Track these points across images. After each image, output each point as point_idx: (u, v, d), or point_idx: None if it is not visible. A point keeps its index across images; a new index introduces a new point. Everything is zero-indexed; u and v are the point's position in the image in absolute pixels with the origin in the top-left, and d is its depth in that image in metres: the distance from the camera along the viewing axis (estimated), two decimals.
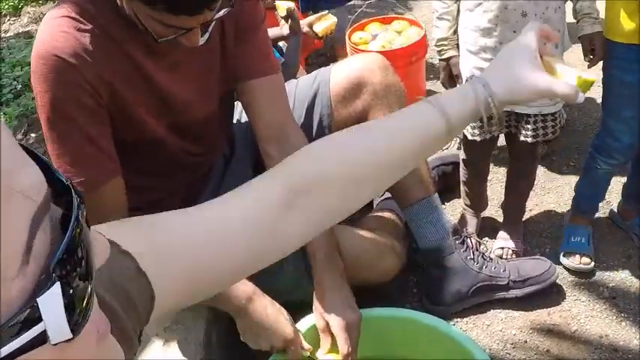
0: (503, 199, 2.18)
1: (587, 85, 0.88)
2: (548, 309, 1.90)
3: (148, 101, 1.44)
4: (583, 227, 2.06)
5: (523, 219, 2.16)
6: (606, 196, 2.20)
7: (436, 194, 1.85)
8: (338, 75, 1.79)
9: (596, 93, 1.94)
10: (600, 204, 2.16)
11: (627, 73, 1.77)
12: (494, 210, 2.25)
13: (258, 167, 1.67)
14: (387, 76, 1.77)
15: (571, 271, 2.00)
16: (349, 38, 2.69)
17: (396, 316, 1.62)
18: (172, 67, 1.46)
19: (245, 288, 1.48)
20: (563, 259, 2.01)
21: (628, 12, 1.68)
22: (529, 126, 1.87)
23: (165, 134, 1.52)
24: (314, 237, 0.81)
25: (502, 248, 2.05)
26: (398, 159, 0.82)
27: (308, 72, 2.30)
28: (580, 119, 2.62)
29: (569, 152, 2.47)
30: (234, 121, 1.82)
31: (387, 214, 2.01)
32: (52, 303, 0.33)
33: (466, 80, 1.86)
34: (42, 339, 0.33)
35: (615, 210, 2.15)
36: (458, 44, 1.90)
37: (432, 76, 2.91)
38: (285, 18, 2.35)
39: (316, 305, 1.53)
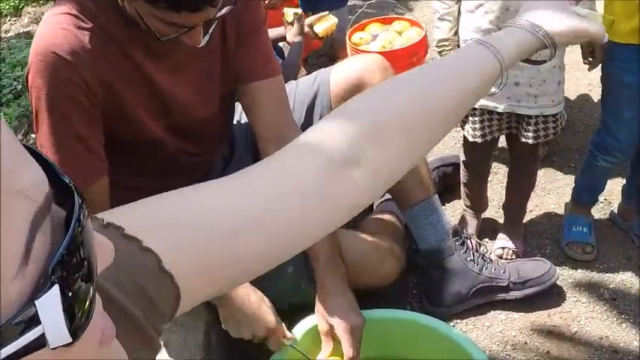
0: (503, 199, 2.18)
1: (609, 24, 0.92)
2: (549, 310, 1.90)
3: (147, 102, 1.44)
4: (584, 217, 2.07)
5: (523, 220, 2.15)
6: (606, 197, 2.20)
7: (436, 195, 1.85)
8: (338, 76, 1.79)
9: (596, 93, 1.94)
10: (601, 205, 2.16)
11: (627, 74, 1.77)
12: (494, 211, 2.24)
13: None
14: (387, 76, 1.77)
15: (572, 268, 2.01)
16: (349, 38, 2.69)
17: (397, 318, 1.62)
18: (173, 69, 1.46)
19: None
20: (566, 249, 2.02)
21: (627, 12, 1.68)
22: (530, 127, 1.87)
23: (164, 135, 1.52)
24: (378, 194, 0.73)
25: (502, 248, 2.05)
26: (459, 102, 0.76)
27: (308, 73, 2.30)
28: (580, 120, 2.61)
29: (570, 153, 2.46)
30: (234, 122, 1.82)
31: (386, 217, 2.01)
32: (50, 306, 0.32)
33: None
34: (41, 342, 0.32)
35: (615, 211, 2.15)
36: (459, 45, 1.89)
37: None
38: (292, 23, 2.36)
39: (319, 308, 1.53)
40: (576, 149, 2.47)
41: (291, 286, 1.67)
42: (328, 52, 3.10)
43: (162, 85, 1.44)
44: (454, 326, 1.85)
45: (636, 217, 2.08)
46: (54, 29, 1.31)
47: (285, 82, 1.66)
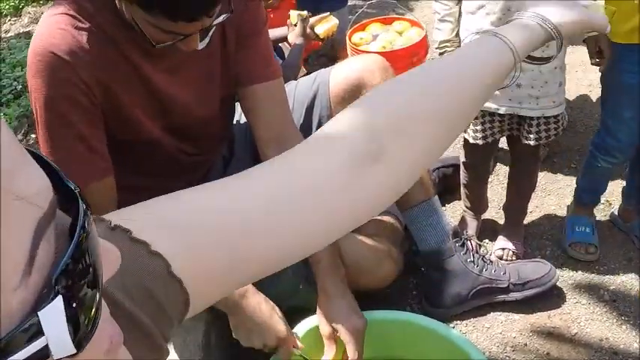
0: (503, 200, 2.18)
1: (611, 14, 0.92)
2: (549, 312, 1.89)
3: (144, 102, 1.44)
4: (586, 217, 2.07)
5: (524, 221, 2.15)
6: (607, 199, 2.20)
7: (436, 196, 1.85)
8: (337, 76, 1.79)
9: (597, 94, 1.94)
10: (601, 207, 2.15)
11: (626, 74, 1.76)
12: (494, 212, 2.24)
13: None
14: (386, 77, 1.76)
15: (572, 269, 2.00)
16: (349, 39, 2.69)
17: (396, 319, 1.62)
18: (171, 70, 1.45)
19: None
20: (569, 250, 2.02)
21: (626, 12, 1.68)
22: (532, 129, 1.87)
23: (162, 135, 1.51)
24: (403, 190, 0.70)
25: (502, 249, 2.05)
26: (473, 97, 0.75)
27: (309, 73, 2.29)
28: (581, 121, 2.61)
29: (571, 154, 2.46)
30: (234, 123, 1.81)
31: (386, 218, 2.00)
32: (53, 317, 0.31)
33: None
34: (44, 354, 0.31)
35: (616, 212, 2.15)
36: (460, 46, 1.89)
37: None
38: (296, 24, 2.36)
39: (321, 311, 1.54)
40: (577, 150, 2.46)
41: (290, 289, 1.67)
42: (328, 52, 3.10)
43: (159, 85, 1.44)
44: (454, 327, 1.84)
45: (636, 218, 2.08)
46: (52, 29, 1.31)
47: (285, 83, 1.66)
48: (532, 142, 1.89)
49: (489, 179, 2.24)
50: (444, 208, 2.08)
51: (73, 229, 0.35)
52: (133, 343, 0.45)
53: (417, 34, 2.65)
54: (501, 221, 2.17)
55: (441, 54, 1.93)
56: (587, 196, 2.08)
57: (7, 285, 0.31)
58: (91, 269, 0.34)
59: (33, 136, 2.91)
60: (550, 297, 1.92)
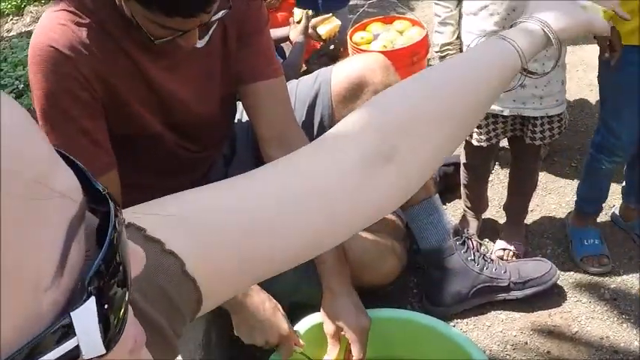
0: (504, 199, 2.18)
1: (609, 17, 0.94)
2: (549, 310, 1.89)
3: (145, 98, 1.44)
4: (592, 229, 2.06)
5: (525, 220, 2.15)
6: (607, 199, 2.19)
7: (437, 195, 1.85)
8: (339, 75, 1.79)
9: (597, 93, 1.94)
10: (602, 206, 2.15)
11: (625, 74, 1.76)
12: (495, 211, 2.24)
13: None
14: (388, 75, 1.76)
15: (572, 268, 2.00)
16: (351, 38, 2.69)
17: (397, 317, 1.62)
18: (171, 68, 1.46)
19: None
20: (581, 265, 2.00)
21: (627, 12, 1.67)
22: (536, 128, 1.86)
23: (163, 131, 1.52)
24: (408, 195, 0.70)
25: (503, 250, 2.05)
26: (482, 98, 0.75)
27: (310, 72, 2.30)
28: (582, 120, 2.61)
29: (571, 153, 2.46)
30: (235, 121, 1.82)
31: (387, 215, 2.01)
32: (86, 318, 0.32)
33: None
34: (74, 354, 0.31)
35: (616, 212, 2.15)
36: (461, 49, 1.87)
37: None
38: (299, 22, 2.36)
39: (326, 310, 1.54)
40: (577, 149, 2.46)
41: (292, 286, 1.67)
42: (329, 51, 3.10)
43: (159, 82, 1.44)
44: (454, 326, 1.84)
45: (637, 217, 2.08)
46: (52, 25, 1.32)
47: (287, 82, 1.66)
48: (537, 142, 1.88)
49: (490, 178, 2.23)
50: (444, 206, 2.08)
51: (100, 230, 0.35)
52: (148, 345, 0.45)
53: (417, 34, 2.66)
54: (502, 220, 2.18)
55: (442, 57, 1.91)
56: (589, 205, 2.06)
57: (40, 285, 0.31)
58: (121, 268, 0.35)
59: None
60: (551, 295, 1.92)
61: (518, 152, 2.03)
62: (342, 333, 1.54)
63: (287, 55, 2.53)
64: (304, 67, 2.64)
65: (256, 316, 1.48)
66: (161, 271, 0.54)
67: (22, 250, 0.30)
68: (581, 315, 1.87)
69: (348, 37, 2.70)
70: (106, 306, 0.33)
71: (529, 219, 2.17)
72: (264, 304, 1.49)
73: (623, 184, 2.13)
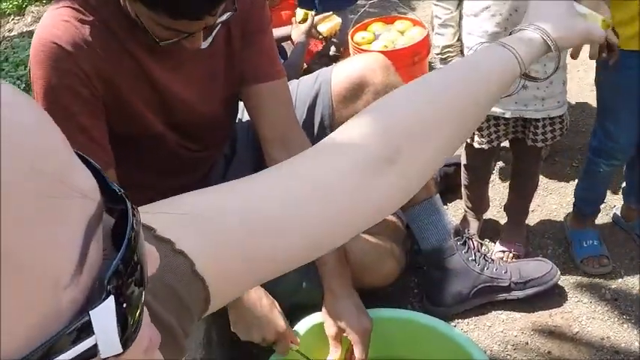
0: (505, 200, 2.18)
1: (607, 27, 0.94)
2: (550, 310, 1.89)
3: (147, 97, 1.44)
4: (591, 230, 2.05)
5: (526, 221, 2.15)
6: (608, 199, 2.19)
7: (438, 195, 1.85)
8: (339, 75, 1.79)
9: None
10: (602, 206, 2.15)
11: (623, 78, 1.76)
12: (496, 211, 2.24)
13: (260, 168, 1.66)
14: (388, 76, 1.76)
15: (573, 268, 2.00)
16: (352, 38, 2.69)
17: (397, 317, 1.62)
18: (174, 68, 1.46)
19: None
20: (582, 266, 1.99)
21: (625, 19, 1.67)
22: (538, 130, 1.86)
23: (165, 130, 1.52)
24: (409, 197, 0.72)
25: (503, 252, 2.04)
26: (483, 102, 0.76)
27: (311, 72, 2.30)
28: (583, 120, 2.61)
29: (572, 153, 2.46)
30: (236, 121, 1.82)
31: (388, 217, 2.01)
32: (104, 317, 0.32)
33: None
34: (92, 353, 0.32)
35: (617, 212, 2.15)
36: (462, 50, 1.87)
37: None
38: (300, 22, 2.36)
39: (328, 311, 1.54)
40: (578, 149, 2.46)
41: (293, 287, 1.67)
42: (328, 52, 3.10)
43: (162, 82, 1.44)
44: (455, 326, 1.84)
45: (637, 217, 2.08)
46: (55, 21, 1.32)
47: (287, 81, 1.66)
48: (539, 144, 1.88)
49: (491, 179, 2.23)
50: (445, 206, 2.08)
51: (116, 230, 0.36)
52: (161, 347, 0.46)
53: (418, 34, 2.65)
54: (503, 221, 2.17)
55: (442, 59, 1.90)
56: (587, 207, 2.06)
57: (59, 283, 0.31)
58: (138, 267, 0.35)
59: None
60: (551, 296, 1.92)
61: (520, 154, 2.03)
62: (344, 334, 1.54)
63: (288, 54, 2.53)
64: (304, 66, 2.64)
65: (253, 313, 1.48)
66: (171, 270, 0.54)
67: (42, 248, 0.30)
68: (582, 315, 1.87)
69: (349, 37, 2.70)
70: (124, 305, 0.33)
71: (530, 219, 2.17)
72: (262, 300, 1.50)
73: (624, 184, 2.13)
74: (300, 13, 2.45)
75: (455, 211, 2.26)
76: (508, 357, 1.79)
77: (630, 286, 1.95)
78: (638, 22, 1.66)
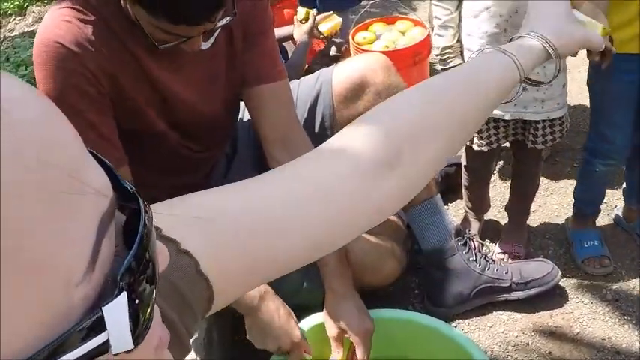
0: (506, 200, 2.17)
1: (606, 34, 0.95)
2: (551, 311, 1.89)
3: (149, 97, 1.45)
4: (592, 230, 2.05)
5: (527, 221, 2.15)
6: (609, 200, 2.19)
7: (439, 195, 1.85)
8: (340, 75, 1.79)
9: None
10: (603, 207, 2.15)
11: (615, 81, 1.76)
12: (497, 211, 2.24)
13: (261, 169, 1.67)
14: (389, 76, 1.76)
15: (574, 268, 2.00)
16: (353, 38, 2.69)
17: (398, 318, 1.62)
18: (175, 68, 1.46)
19: (258, 287, 1.48)
20: (583, 267, 1.99)
21: (619, 23, 1.66)
22: (538, 132, 1.86)
23: (167, 130, 1.52)
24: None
25: (504, 253, 2.04)
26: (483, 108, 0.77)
27: (312, 72, 2.30)
28: (584, 120, 2.61)
29: (573, 153, 2.46)
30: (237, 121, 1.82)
31: None
32: (117, 312, 0.32)
33: None
34: (104, 348, 0.32)
35: (618, 213, 2.15)
36: (462, 51, 1.86)
37: None
38: (302, 21, 2.36)
39: (329, 312, 1.54)
40: (579, 149, 2.45)
41: (293, 287, 1.67)
42: (330, 51, 3.10)
43: (163, 82, 1.44)
44: (456, 326, 1.84)
45: (638, 218, 2.08)
46: (57, 21, 1.32)
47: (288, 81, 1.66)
48: (539, 146, 1.88)
49: (492, 179, 2.23)
50: (446, 207, 2.08)
51: (127, 227, 0.36)
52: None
53: (419, 34, 2.65)
54: (504, 221, 2.17)
55: (442, 60, 1.89)
56: (587, 207, 2.06)
57: (72, 280, 0.31)
58: (150, 265, 0.35)
59: None
60: (552, 296, 1.92)
61: (520, 155, 2.03)
62: (346, 335, 1.54)
63: (289, 55, 2.53)
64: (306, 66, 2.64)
65: (271, 323, 1.47)
66: (176, 269, 0.55)
67: (54, 244, 0.30)
68: (583, 316, 1.87)
69: (350, 38, 2.70)
70: (136, 301, 0.33)
71: (531, 219, 2.17)
72: (279, 310, 1.49)
73: (624, 185, 2.13)
74: (301, 11, 2.44)
75: (456, 212, 2.26)
76: (509, 357, 1.79)
77: (631, 286, 1.95)
78: (636, 24, 1.66)
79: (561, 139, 1.96)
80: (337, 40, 2.69)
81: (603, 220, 2.15)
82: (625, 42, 1.67)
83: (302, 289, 1.70)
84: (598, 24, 0.93)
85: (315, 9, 2.46)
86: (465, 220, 2.16)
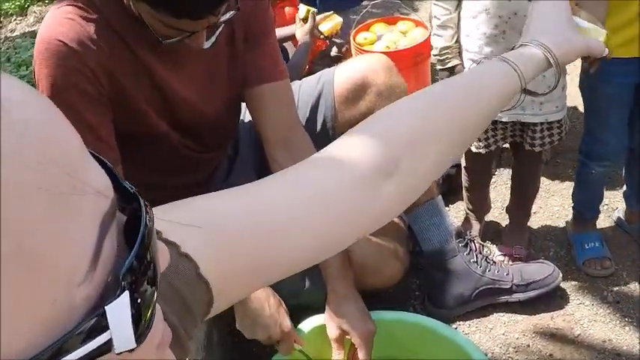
0: (507, 201, 2.17)
1: (608, 39, 0.95)
2: (552, 313, 1.89)
3: (150, 96, 1.44)
4: (593, 232, 2.05)
5: (528, 223, 2.14)
6: (610, 202, 2.19)
7: (440, 197, 1.85)
8: (342, 76, 1.78)
9: None
10: (605, 209, 2.15)
11: (607, 85, 1.76)
12: (498, 213, 2.24)
13: (262, 169, 1.67)
14: (390, 76, 1.76)
15: (575, 270, 2.00)
16: (354, 39, 2.68)
17: (399, 319, 1.62)
18: (176, 67, 1.46)
19: None
20: (584, 268, 1.99)
21: (619, 24, 1.65)
22: (536, 135, 1.86)
23: (168, 130, 1.52)
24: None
25: (504, 255, 2.04)
26: (484, 116, 0.78)
27: (313, 72, 2.30)
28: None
29: (574, 155, 2.44)
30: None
31: None
32: (119, 312, 0.32)
33: None
34: (106, 348, 0.32)
35: (619, 215, 2.14)
36: (460, 52, 1.86)
37: (437, 77, 2.90)
38: (303, 19, 2.36)
39: (331, 315, 1.54)
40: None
41: (295, 288, 1.67)
42: (330, 53, 3.09)
43: (164, 81, 1.44)
44: (456, 328, 1.84)
45: (639, 220, 2.07)
46: (60, 19, 1.32)
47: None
48: (537, 149, 1.88)
49: (493, 180, 2.23)
50: (447, 208, 2.08)
51: (128, 227, 0.36)
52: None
53: (421, 35, 2.65)
54: (505, 222, 2.17)
55: (440, 61, 1.89)
56: (586, 209, 2.06)
57: (73, 280, 0.31)
58: (151, 266, 0.35)
59: None
60: (553, 298, 1.91)
61: (520, 157, 2.02)
62: (347, 337, 1.54)
63: (290, 55, 2.52)
64: (307, 67, 2.64)
65: (261, 312, 1.47)
66: (176, 273, 0.55)
67: (55, 244, 0.30)
68: (584, 318, 1.87)
69: (351, 38, 2.69)
70: (138, 300, 0.33)
71: (532, 221, 2.17)
72: (269, 299, 1.50)
73: (625, 188, 2.12)
74: (303, 9, 2.44)
75: (456, 213, 2.25)
76: (509, 359, 1.79)
77: (632, 288, 1.94)
78: (635, 26, 1.65)
79: (560, 142, 1.96)
80: (338, 41, 2.69)
81: (604, 222, 2.15)
82: (619, 46, 1.66)
83: (303, 290, 1.70)
84: (601, 30, 0.93)
85: (315, 9, 2.46)
86: (466, 222, 2.16)
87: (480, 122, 0.78)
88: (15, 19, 4.35)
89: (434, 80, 2.85)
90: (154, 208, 0.58)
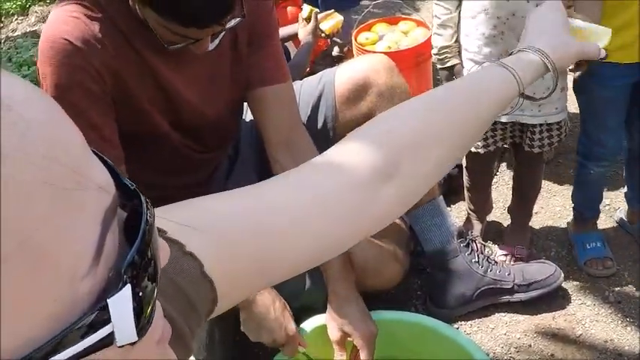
0: (509, 201, 2.17)
1: (609, 40, 0.96)
2: (553, 313, 1.89)
3: (153, 96, 1.45)
4: (594, 232, 2.05)
5: (529, 223, 2.14)
6: (612, 202, 2.19)
7: (441, 197, 1.85)
8: (343, 76, 1.78)
9: None
10: (606, 209, 2.15)
11: (602, 89, 1.76)
12: (499, 213, 2.24)
13: (263, 170, 1.67)
14: (392, 77, 1.76)
15: (577, 270, 2.00)
16: (355, 39, 2.68)
17: (400, 319, 1.62)
18: (179, 68, 1.46)
19: None
20: (585, 268, 1.99)
21: (621, 24, 1.65)
22: (535, 136, 1.85)
23: (170, 130, 1.52)
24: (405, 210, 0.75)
25: (505, 255, 2.04)
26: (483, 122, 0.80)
27: (314, 72, 2.30)
28: None
29: (576, 155, 2.45)
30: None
31: None
32: (121, 305, 0.33)
33: None
34: (108, 341, 0.32)
35: (621, 215, 2.14)
36: (459, 52, 1.86)
37: (438, 77, 2.90)
38: (306, 19, 2.36)
39: (332, 316, 1.54)
40: None
41: (296, 289, 1.67)
42: (332, 52, 3.10)
43: (167, 81, 1.44)
44: (458, 328, 1.84)
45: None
46: (65, 17, 1.32)
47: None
48: (536, 150, 1.88)
49: (494, 180, 2.23)
50: (448, 208, 2.08)
51: (128, 224, 0.36)
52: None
53: (422, 35, 2.65)
54: (506, 222, 2.17)
55: (439, 60, 1.89)
56: (587, 210, 2.06)
57: (77, 274, 0.32)
58: (152, 262, 0.36)
59: None
60: (555, 298, 1.91)
61: (521, 158, 2.02)
62: (349, 339, 1.54)
63: (291, 55, 2.52)
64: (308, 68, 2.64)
65: (266, 315, 1.47)
66: (180, 271, 0.55)
67: (59, 239, 0.31)
68: (585, 318, 1.87)
69: (352, 38, 2.69)
70: (140, 294, 0.34)
71: (533, 221, 2.17)
72: (275, 303, 1.49)
73: (626, 188, 2.12)
74: (306, 8, 2.44)
75: (458, 213, 2.25)
76: (511, 359, 1.79)
77: (634, 288, 1.94)
78: (633, 29, 1.65)
79: (561, 142, 1.95)
80: (339, 41, 2.69)
81: (606, 222, 2.15)
82: (615, 50, 1.65)
83: (305, 291, 1.70)
84: (605, 29, 0.93)
85: (317, 9, 2.46)
86: (468, 222, 2.16)
87: (479, 126, 0.79)
88: (16, 19, 4.35)
89: (435, 80, 2.85)
90: (155, 209, 0.58)
